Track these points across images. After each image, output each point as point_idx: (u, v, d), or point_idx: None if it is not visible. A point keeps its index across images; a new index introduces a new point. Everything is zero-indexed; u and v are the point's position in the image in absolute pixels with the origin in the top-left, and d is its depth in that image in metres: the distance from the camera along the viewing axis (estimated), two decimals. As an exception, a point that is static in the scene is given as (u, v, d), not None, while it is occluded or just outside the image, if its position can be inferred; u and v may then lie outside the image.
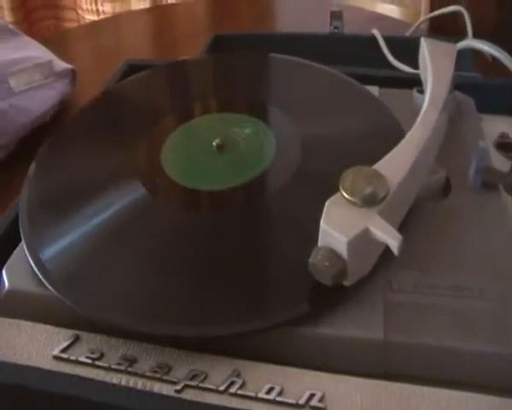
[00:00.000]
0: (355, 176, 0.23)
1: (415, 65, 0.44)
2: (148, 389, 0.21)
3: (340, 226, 0.22)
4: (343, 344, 0.22)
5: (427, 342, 0.22)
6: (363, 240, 0.22)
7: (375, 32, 0.54)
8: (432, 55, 0.32)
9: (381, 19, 0.71)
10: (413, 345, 0.22)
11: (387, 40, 0.52)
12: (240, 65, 0.38)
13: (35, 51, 0.55)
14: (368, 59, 0.50)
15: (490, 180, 0.28)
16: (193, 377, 0.22)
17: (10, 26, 0.59)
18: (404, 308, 0.23)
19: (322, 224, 0.22)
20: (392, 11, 0.95)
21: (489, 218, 0.27)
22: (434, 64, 0.31)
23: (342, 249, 0.22)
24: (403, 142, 0.26)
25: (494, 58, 0.38)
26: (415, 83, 0.36)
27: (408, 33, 0.60)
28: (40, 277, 0.25)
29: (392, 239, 0.21)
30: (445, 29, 0.61)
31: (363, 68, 0.40)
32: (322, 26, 0.60)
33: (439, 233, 0.26)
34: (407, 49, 0.50)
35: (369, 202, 0.22)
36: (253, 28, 0.69)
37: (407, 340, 0.22)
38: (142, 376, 0.22)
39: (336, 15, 0.59)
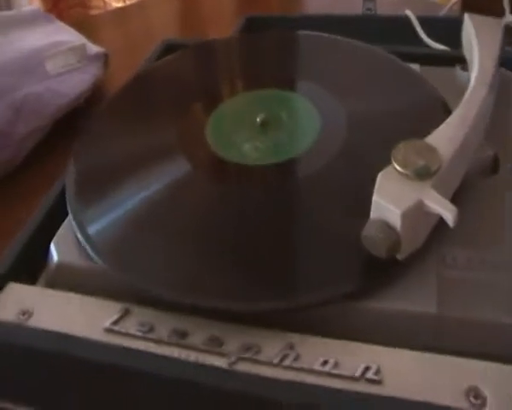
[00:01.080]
0: (407, 149, 0.23)
1: (449, 45, 0.43)
2: (200, 361, 0.21)
3: (393, 199, 0.21)
4: (396, 318, 0.22)
5: (481, 318, 0.21)
6: (416, 212, 0.21)
7: (409, 12, 0.53)
8: (477, 31, 0.31)
9: (412, 0, 0.70)
10: (467, 320, 0.21)
11: (421, 21, 0.52)
12: (282, 43, 0.38)
13: (68, 36, 0.55)
14: (402, 40, 0.49)
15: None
16: (246, 351, 0.21)
17: (43, 13, 0.59)
18: (458, 283, 0.23)
19: (376, 196, 0.22)
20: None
21: None
22: (480, 39, 0.31)
23: (396, 222, 0.21)
24: (453, 116, 0.25)
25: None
26: (455, 61, 0.36)
27: (442, 13, 0.59)
28: (88, 250, 0.25)
29: (447, 211, 0.21)
30: (478, 8, 0.60)
31: (403, 46, 0.40)
32: (351, 9, 0.59)
33: (490, 209, 0.25)
34: (441, 29, 0.50)
35: (422, 174, 0.22)
36: (282, 11, 0.68)
37: (461, 315, 0.22)
38: (194, 349, 0.22)
39: (368, -4, 0.59)
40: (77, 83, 0.52)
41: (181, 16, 0.72)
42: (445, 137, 0.24)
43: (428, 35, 0.50)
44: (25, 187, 0.43)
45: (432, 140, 0.24)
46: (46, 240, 0.27)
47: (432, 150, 0.23)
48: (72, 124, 0.49)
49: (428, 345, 0.21)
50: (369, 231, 0.22)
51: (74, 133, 0.48)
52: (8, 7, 1.22)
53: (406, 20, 0.52)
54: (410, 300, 0.22)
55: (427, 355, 0.21)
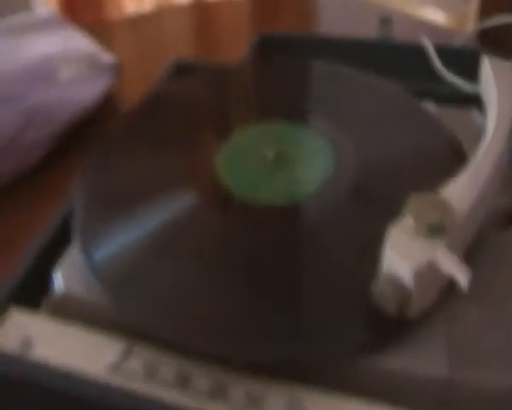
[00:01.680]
0: (421, 202, 0.23)
1: (465, 75, 0.43)
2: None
3: (405, 255, 0.21)
4: (404, 378, 0.21)
5: (493, 384, 0.21)
6: (429, 271, 0.21)
7: (426, 40, 0.53)
8: (496, 77, 0.31)
9: (425, 26, 0.70)
10: (479, 385, 0.21)
11: (437, 49, 0.51)
12: (297, 73, 0.37)
13: (81, 43, 0.55)
14: (417, 68, 0.49)
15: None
16: (250, 402, 0.21)
17: (58, 17, 0.59)
18: (470, 344, 0.22)
19: (388, 250, 0.22)
20: (437, 16, 0.93)
21: None
22: (499, 86, 0.30)
23: (408, 279, 0.21)
24: (469, 168, 0.25)
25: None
26: (471, 100, 0.35)
27: (457, 42, 0.58)
28: (92, 282, 0.25)
29: (460, 274, 0.21)
30: (495, 36, 0.60)
31: (417, 83, 0.39)
32: (364, 25, 0.59)
33: (505, 264, 0.25)
34: (457, 59, 0.49)
35: (436, 231, 0.22)
36: (298, 29, 0.68)
37: (473, 379, 0.21)
38: (198, 396, 0.21)
39: (385, 21, 0.58)
40: (88, 92, 0.52)
41: (197, 28, 0.72)
42: (461, 192, 0.24)
43: (443, 63, 0.49)
44: (32, 196, 0.43)
45: (447, 193, 0.23)
46: (50, 263, 0.27)
47: (446, 205, 0.23)
48: (82, 134, 0.49)
49: (437, 407, 0.21)
50: (378, 286, 0.21)
51: (85, 144, 0.48)
52: (26, 4, 1.22)
53: (422, 48, 0.52)
54: (420, 361, 0.22)
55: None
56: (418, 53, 0.52)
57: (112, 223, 0.27)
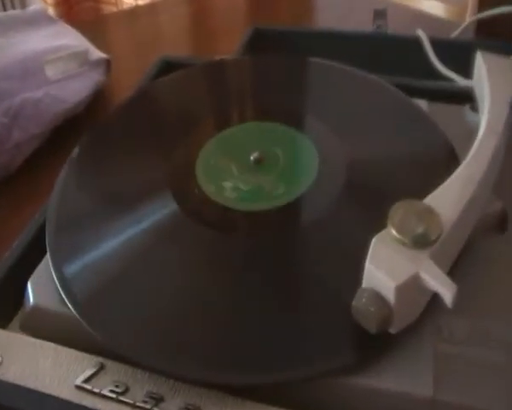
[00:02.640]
0: (405, 211, 0.21)
1: (460, 69, 0.41)
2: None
3: (387, 268, 0.20)
4: (387, 398, 0.20)
5: (480, 407, 0.20)
6: (412, 286, 0.20)
7: (421, 33, 0.51)
8: (489, 73, 0.30)
9: (424, 17, 0.68)
10: (466, 407, 0.20)
11: (433, 42, 0.50)
12: (282, 69, 0.36)
13: (71, 39, 0.54)
14: (412, 61, 0.48)
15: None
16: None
17: (48, 12, 0.58)
18: (457, 362, 0.21)
19: (368, 264, 0.20)
20: (435, 8, 0.91)
21: None
22: (492, 83, 0.29)
23: (389, 294, 0.20)
24: (458, 173, 0.24)
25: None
26: (464, 97, 0.34)
27: (455, 34, 0.57)
28: (64, 297, 0.24)
29: (445, 289, 0.19)
30: (494, 29, 0.58)
31: (411, 79, 0.38)
32: (362, 19, 0.58)
33: (495, 274, 0.24)
34: (453, 52, 0.48)
35: (420, 242, 0.21)
36: (294, 23, 0.67)
37: (458, 400, 0.20)
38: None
39: (380, 13, 0.57)
40: (77, 89, 0.50)
41: (191, 22, 0.71)
42: (449, 199, 0.22)
43: (439, 57, 0.48)
44: (19, 195, 0.42)
45: (433, 201, 0.22)
46: (25, 275, 0.26)
47: (433, 215, 0.21)
48: (72, 131, 0.48)
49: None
50: (359, 301, 0.20)
51: (74, 142, 0.47)
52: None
53: (417, 41, 0.51)
54: (404, 379, 0.20)
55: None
56: (413, 46, 0.51)
57: (84, 238, 0.26)
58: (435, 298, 0.22)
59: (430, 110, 0.33)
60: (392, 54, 0.50)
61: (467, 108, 0.33)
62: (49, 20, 0.56)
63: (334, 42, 0.53)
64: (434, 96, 0.35)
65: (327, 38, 0.53)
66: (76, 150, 0.31)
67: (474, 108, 0.32)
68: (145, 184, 0.28)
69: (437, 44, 0.50)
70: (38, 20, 0.56)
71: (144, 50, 0.62)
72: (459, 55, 0.42)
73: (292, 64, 0.36)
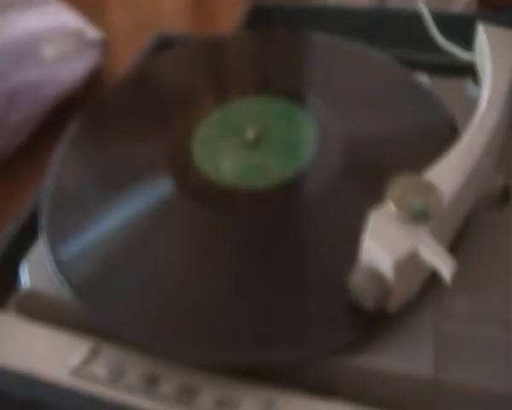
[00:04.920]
0: (404, 186, 0.21)
1: (463, 44, 0.41)
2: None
3: (385, 244, 0.19)
4: (387, 378, 0.20)
5: (483, 385, 0.19)
6: (410, 261, 0.19)
7: (422, 7, 0.50)
8: (491, 45, 0.29)
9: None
10: (467, 385, 0.19)
11: (434, 16, 0.49)
12: (280, 44, 0.35)
13: (67, 18, 0.53)
14: (412, 34, 0.47)
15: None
16: (220, 406, 0.20)
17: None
18: (458, 340, 0.20)
19: (366, 239, 0.20)
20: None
21: None
22: (494, 55, 0.28)
23: (387, 270, 0.19)
24: (458, 147, 0.23)
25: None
26: (467, 70, 0.33)
27: (457, 7, 0.56)
28: (59, 279, 0.23)
29: (443, 265, 0.19)
30: (497, 1, 0.57)
31: (413, 53, 0.37)
32: None
33: (499, 250, 0.23)
34: (455, 27, 0.47)
35: (419, 218, 0.20)
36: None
37: (461, 379, 0.19)
38: (165, 400, 0.20)
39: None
40: (74, 69, 0.50)
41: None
42: (448, 173, 0.22)
43: (441, 31, 0.47)
44: (17, 177, 0.41)
45: (433, 176, 0.22)
46: (18, 258, 0.25)
47: (431, 189, 0.21)
48: (69, 112, 0.47)
49: (423, 408, 0.20)
50: (356, 277, 0.20)
51: (71, 122, 0.46)
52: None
53: (418, 15, 0.50)
54: (404, 359, 0.20)
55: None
56: (414, 20, 0.50)
57: (79, 219, 0.26)
58: (435, 275, 0.21)
59: (432, 84, 0.33)
60: (392, 28, 0.49)
61: (469, 81, 0.32)
62: (45, 0, 0.56)
63: (333, 17, 0.52)
64: (436, 69, 0.35)
65: (326, 13, 0.52)
66: (71, 131, 0.30)
67: (476, 82, 0.32)
68: (141, 164, 0.28)
69: (438, 18, 0.49)
70: (34, 0, 0.55)
71: (142, 29, 0.61)
72: (461, 28, 0.41)
73: (290, 39, 0.35)
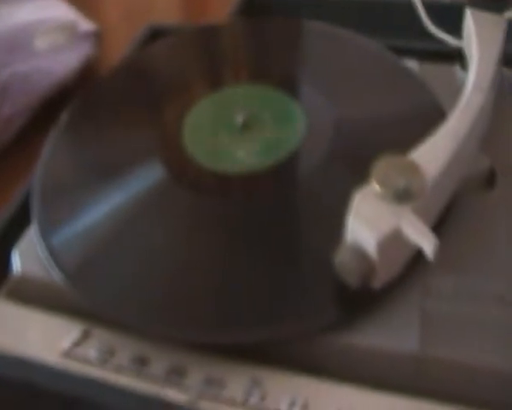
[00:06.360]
0: (388, 166, 0.21)
1: (455, 33, 0.41)
2: (160, 395, 0.20)
3: (369, 222, 0.20)
4: (373, 355, 0.20)
5: (466, 359, 0.20)
6: (394, 240, 0.20)
7: (415, -4, 0.50)
8: (478, 30, 0.29)
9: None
10: (451, 361, 0.20)
11: (427, 6, 0.49)
12: (269, 32, 0.36)
13: (59, 11, 0.53)
14: (405, 25, 0.47)
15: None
16: (209, 385, 0.20)
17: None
18: (443, 318, 0.21)
19: (350, 219, 0.20)
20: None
21: None
22: (480, 40, 0.28)
23: (371, 248, 0.20)
24: (442, 128, 0.23)
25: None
26: (458, 56, 0.34)
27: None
28: (50, 265, 0.24)
29: (426, 242, 0.19)
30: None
31: (402, 40, 0.37)
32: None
33: (483, 231, 0.23)
34: (447, 16, 0.47)
35: (403, 197, 0.20)
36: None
37: (444, 355, 0.20)
38: (155, 379, 0.20)
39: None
40: (66, 61, 0.50)
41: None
42: (432, 154, 0.22)
43: (434, 21, 0.47)
44: (10, 169, 0.41)
45: (417, 156, 0.22)
46: (10, 246, 0.26)
47: (415, 169, 0.21)
48: (62, 105, 0.47)
49: (407, 386, 0.20)
50: (341, 257, 0.20)
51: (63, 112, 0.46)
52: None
53: (411, 5, 0.50)
54: (389, 335, 0.20)
55: (402, 400, 0.19)
56: (407, 10, 0.50)
57: (71, 206, 0.26)
58: (422, 256, 0.22)
59: (420, 70, 0.33)
60: (385, 18, 0.50)
61: (457, 67, 0.33)
62: (37, -8, 0.56)
63: (325, 6, 0.52)
64: (427, 56, 0.35)
65: (318, 3, 0.53)
66: (62, 120, 0.31)
67: (464, 67, 0.32)
68: (132, 152, 0.28)
69: (431, 8, 0.49)
70: (25, -8, 0.55)
71: (135, 21, 0.61)
72: (453, 17, 0.42)
73: (279, 26, 0.36)
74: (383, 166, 0.21)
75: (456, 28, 0.38)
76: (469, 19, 0.31)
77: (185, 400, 0.20)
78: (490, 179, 0.26)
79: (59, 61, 0.49)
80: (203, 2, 0.65)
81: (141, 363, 0.21)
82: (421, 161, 0.22)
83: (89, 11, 0.55)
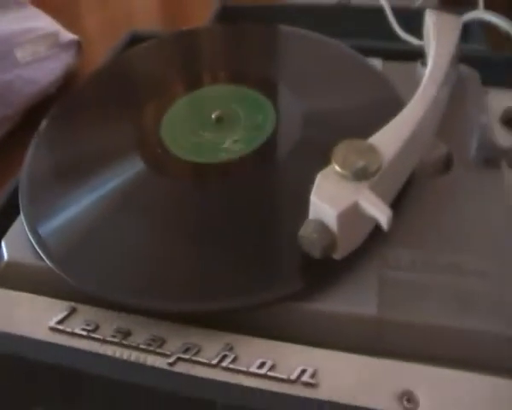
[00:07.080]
0: (347, 149, 0.23)
1: (421, 36, 0.43)
2: (141, 361, 0.22)
3: (330, 199, 0.22)
4: (336, 320, 0.22)
5: (422, 320, 0.22)
6: (352, 213, 0.22)
7: (383, 2, 0.53)
8: (435, 28, 0.31)
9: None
10: (408, 323, 0.22)
11: (396, 12, 0.51)
12: (242, 36, 0.38)
13: (40, 22, 0.55)
14: (376, 30, 0.49)
15: (492, 156, 0.28)
16: (186, 351, 0.22)
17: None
18: (400, 285, 0.23)
19: (313, 196, 0.22)
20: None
21: (491, 195, 0.26)
22: (437, 37, 0.31)
23: (332, 222, 0.22)
24: (399, 115, 0.25)
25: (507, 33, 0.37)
26: (421, 55, 0.36)
27: (417, 3, 0.58)
28: (37, 249, 0.25)
29: (380, 213, 0.21)
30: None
31: (368, 41, 0.40)
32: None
33: (439, 209, 0.26)
34: (416, 20, 0.49)
35: (361, 175, 0.22)
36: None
37: (402, 317, 0.22)
38: (136, 348, 0.22)
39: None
40: (48, 71, 0.51)
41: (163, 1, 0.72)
42: (388, 137, 0.24)
43: (404, 26, 0.50)
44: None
45: (374, 140, 0.24)
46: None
47: (372, 150, 0.23)
48: (45, 112, 0.49)
49: (369, 347, 0.22)
50: (305, 231, 0.22)
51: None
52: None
53: (381, 12, 0.52)
54: (350, 301, 0.22)
55: (364, 358, 0.21)
56: (377, 16, 0.52)
57: (55, 193, 0.28)
58: (381, 231, 0.24)
59: (384, 67, 0.35)
60: (356, 24, 0.52)
61: (418, 64, 0.35)
62: (17, 4, 0.57)
63: (299, 15, 0.54)
64: (392, 56, 0.37)
65: (292, 11, 0.55)
66: (46, 120, 0.33)
67: (424, 64, 0.34)
68: (113, 147, 0.30)
69: (400, 13, 0.51)
70: (6, 3, 0.56)
71: (117, 30, 0.63)
72: (420, 21, 0.44)
73: (252, 32, 0.38)
74: (343, 148, 0.23)
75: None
76: (428, 17, 0.33)
77: (165, 363, 0.21)
78: (447, 164, 0.28)
79: (41, 70, 0.51)
80: (182, 12, 0.67)
81: (123, 335, 0.23)
82: (379, 144, 0.24)
83: (70, 21, 0.57)
